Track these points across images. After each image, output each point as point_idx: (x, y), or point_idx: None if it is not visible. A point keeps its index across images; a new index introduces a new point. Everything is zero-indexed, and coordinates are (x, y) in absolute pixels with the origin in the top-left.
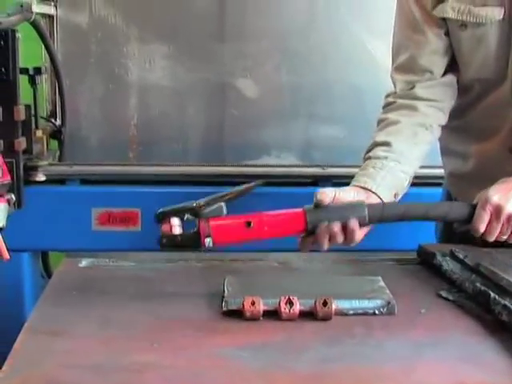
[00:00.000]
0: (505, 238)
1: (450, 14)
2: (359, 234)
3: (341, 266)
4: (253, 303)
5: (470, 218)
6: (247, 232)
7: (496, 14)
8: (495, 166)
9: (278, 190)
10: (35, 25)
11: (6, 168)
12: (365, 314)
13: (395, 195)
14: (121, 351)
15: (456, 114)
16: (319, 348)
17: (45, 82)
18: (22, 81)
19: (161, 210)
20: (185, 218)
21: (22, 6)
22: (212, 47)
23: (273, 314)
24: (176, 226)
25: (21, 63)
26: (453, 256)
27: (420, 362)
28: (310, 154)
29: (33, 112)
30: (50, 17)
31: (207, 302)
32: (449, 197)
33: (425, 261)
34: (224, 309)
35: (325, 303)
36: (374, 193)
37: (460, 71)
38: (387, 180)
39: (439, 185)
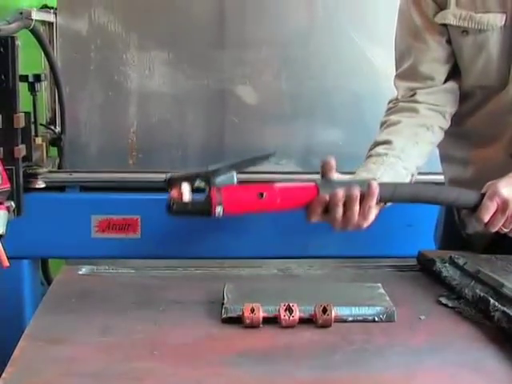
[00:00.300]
0: (506, 231)
1: (452, 21)
2: (373, 211)
3: (340, 273)
4: (252, 310)
5: (477, 206)
6: (259, 203)
7: (498, 20)
8: (496, 173)
9: None
10: (35, 32)
11: (5, 175)
12: (364, 320)
13: None
14: (121, 359)
15: (457, 120)
16: (319, 355)
17: (44, 89)
18: (22, 88)
19: (171, 175)
20: (195, 184)
21: (21, 13)
22: (212, 54)
23: (272, 321)
24: (186, 192)
25: (20, 70)
26: (452, 262)
27: (420, 369)
28: (310, 160)
29: (32, 119)
30: (50, 24)
31: (207, 309)
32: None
33: (424, 267)
34: (224, 316)
35: (324, 310)
36: None
37: (461, 78)
38: (388, 175)
39: None
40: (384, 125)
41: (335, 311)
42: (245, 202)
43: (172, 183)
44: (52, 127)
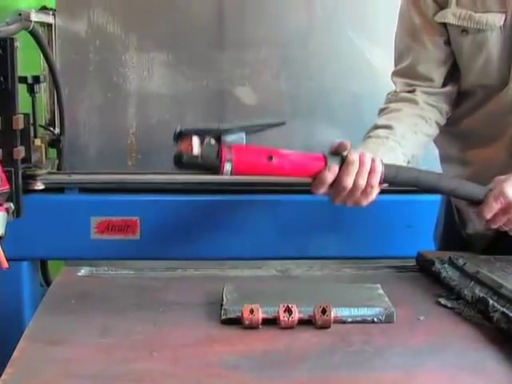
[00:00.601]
0: (506, 229)
1: (451, 20)
2: (375, 190)
3: (340, 274)
4: (252, 311)
5: (478, 200)
6: (267, 166)
7: (497, 20)
8: (496, 173)
9: (277, 198)
10: (34, 33)
11: (4, 177)
12: (364, 321)
13: None
14: (120, 360)
15: (457, 120)
16: (318, 356)
17: (43, 90)
18: (21, 89)
19: (181, 128)
20: (205, 140)
21: (20, 14)
22: (211, 55)
23: (272, 323)
24: (196, 145)
25: (19, 72)
26: (452, 263)
27: (419, 370)
28: None
29: (31, 121)
30: (49, 25)
31: (206, 310)
32: (448, 204)
33: (424, 268)
34: (223, 317)
35: (324, 311)
36: None
37: (461, 77)
38: (387, 157)
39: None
40: (384, 111)
41: (334, 312)
42: (254, 163)
43: (182, 136)
44: (51, 128)
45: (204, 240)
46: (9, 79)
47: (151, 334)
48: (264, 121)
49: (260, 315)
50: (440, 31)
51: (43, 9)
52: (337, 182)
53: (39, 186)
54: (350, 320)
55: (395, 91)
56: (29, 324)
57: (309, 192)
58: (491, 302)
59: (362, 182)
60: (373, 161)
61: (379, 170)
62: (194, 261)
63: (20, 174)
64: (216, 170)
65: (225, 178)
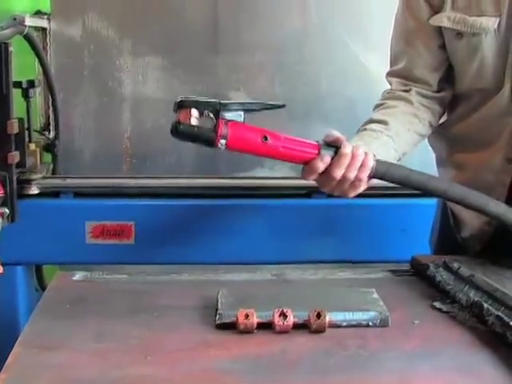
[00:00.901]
0: None
1: (446, 23)
2: (364, 184)
3: (334, 278)
4: (246, 316)
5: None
6: (262, 146)
7: (491, 23)
8: (492, 177)
9: (271, 202)
10: (28, 38)
11: None
12: (358, 325)
13: None
14: (115, 364)
15: (453, 123)
16: (313, 360)
17: (38, 95)
18: (16, 94)
19: (182, 98)
20: (204, 112)
21: (15, 19)
22: (206, 60)
23: (267, 327)
24: (194, 116)
25: (14, 76)
26: (446, 267)
27: (414, 374)
28: None
29: (26, 125)
30: (44, 30)
31: (201, 314)
32: (444, 208)
33: (418, 272)
34: (218, 322)
35: (318, 315)
36: None
37: (456, 81)
38: (380, 151)
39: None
40: (379, 107)
41: (329, 316)
42: (249, 141)
43: (181, 106)
44: (46, 133)
45: (199, 244)
46: (3, 84)
47: (146, 338)
48: (263, 102)
49: (255, 320)
50: (434, 35)
51: (38, 13)
52: (327, 171)
53: (34, 190)
54: (344, 324)
55: (391, 89)
56: (23, 329)
57: (303, 196)
58: (486, 305)
59: (352, 175)
60: (365, 155)
61: (370, 165)
62: (189, 265)
63: (15, 178)
64: (211, 143)
65: (219, 182)
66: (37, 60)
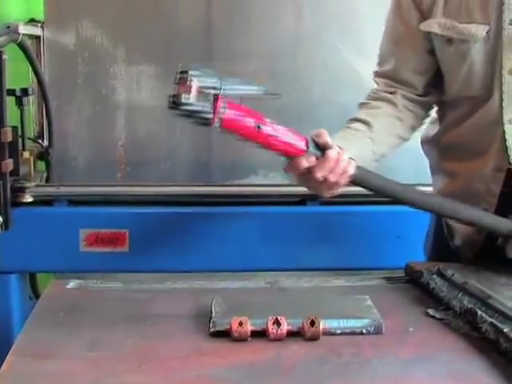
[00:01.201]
0: None
1: (436, 29)
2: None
3: (328, 286)
4: (240, 324)
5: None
6: (254, 132)
7: (480, 31)
8: (482, 186)
9: (265, 210)
10: (22, 46)
11: None
12: (352, 333)
13: None
14: (109, 373)
15: (444, 132)
16: (307, 368)
17: (32, 103)
18: (9, 102)
19: (185, 69)
20: (204, 89)
21: (8, 27)
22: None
23: (261, 335)
24: (194, 91)
25: (8, 84)
26: (440, 274)
27: (409, 381)
28: None
29: (20, 133)
30: (37, 38)
31: (195, 322)
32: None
33: (412, 279)
34: (212, 330)
35: (312, 323)
36: None
37: (446, 87)
38: (359, 152)
39: None
40: (364, 106)
41: (323, 324)
42: (242, 127)
43: (183, 79)
44: (40, 141)
45: (193, 252)
46: None
47: (140, 346)
48: (261, 88)
49: (249, 327)
50: (423, 40)
51: (32, 21)
52: (310, 171)
53: (28, 198)
54: (338, 332)
55: (377, 89)
56: (17, 337)
57: (297, 203)
58: (479, 312)
59: (332, 179)
60: (348, 162)
61: (351, 172)
62: (183, 273)
63: (8, 186)
64: (206, 120)
65: (213, 190)
66: (30, 68)
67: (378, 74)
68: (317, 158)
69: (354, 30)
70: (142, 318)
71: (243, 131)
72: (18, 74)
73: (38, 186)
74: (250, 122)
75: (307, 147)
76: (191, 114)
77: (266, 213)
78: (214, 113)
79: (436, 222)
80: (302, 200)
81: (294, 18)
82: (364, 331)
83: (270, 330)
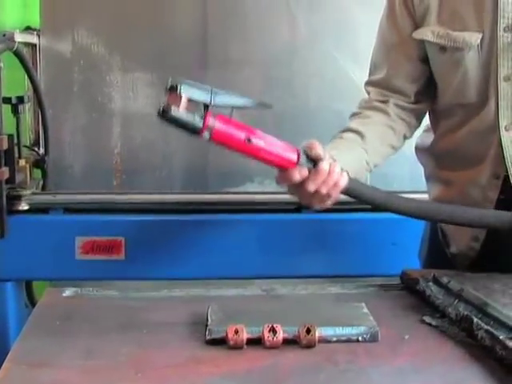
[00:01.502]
0: None
1: (429, 37)
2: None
3: (324, 293)
4: (236, 332)
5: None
6: (244, 145)
7: (473, 39)
8: (479, 193)
9: (261, 217)
10: (18, 54)
11: None
12: (348, 340)
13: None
14: (105, 381)
15: (439, 140)
16: (303, 375)
17: (28, 111)
18: (5, 110)
19: (175, 81)
20: (194, 100)
21: (4, 35)
22: (195, 75)
23: (257, 342)
24: (184, 102)
25: (3, 92)
26: (436, 281)
27: None
28: None
29: (16, 141)
30: (33, 46)
31: (191, 330)
32: (433, 223)
33: (408, 286)
34: (208, 337)
35: (308, 331)
36: None
37: (440, 95)
38: (352, 162)
39: None
40: (356, 115)
41: (319, 331)
42: (232, 140)
43: (173, 90)
44: (35, 149)
45: (189, 260)
46: None
47: (136, 355)
48: (252, 100)
49: (244, 335)
50: (416, 48)
51: (27, 29)
52: (302, 184)
53: (24, 206)
54: (334, 339)
55: (369, 99)
56: (13, 345)
57: (293, 211)
58: (475, 319)
59: (324, 191)
60: (340, 175)
61: (343, 184)
62: (179, 281)
63: (4, 194)
64: (196, 132)
65: (209, 197)
66: (26, 76)
67: (369, 83)
68: (309, 170)
69: (349, 37)
70: (137, 326)
71: (233, 144)
72: (14, 82)
73: (33, 193)
74: (240, 134)
75: (299, 159)
76: (180, 126)
77: (262, 220)
78: (203, 125)
79: (431, 229)
80: (297, 207)
81: (290, 25)
82: (360, 339)
83: (265, 337)
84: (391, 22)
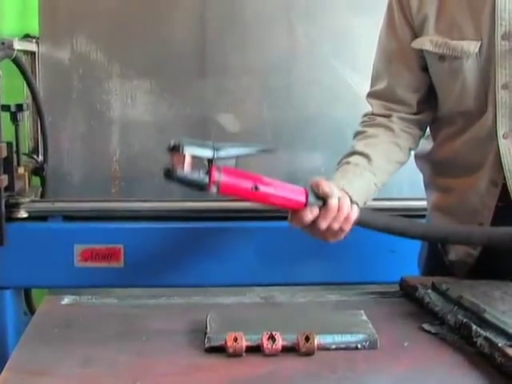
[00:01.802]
0: None
1: (428, 47)
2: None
3: (323, 300)
4: (235, 339)
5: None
6: (252, 193)
7: (472, 48)
8: (477, 201)
9: (260, 225)
10: (17, 62)
11: None
12: (347, 348)
13: (364, 203)
14: None
15: (438, 148)
16: (303, 383)
17: (27, 118)
18: (4, 118)
19: (176, 141)
20: (197, 158)
21: (3, 43)
22: (194, 83)
23: (256, 350)
24: (188, 161)
25: (2, 100)
26: (435, 288)
27: None
28: None
29: (15, 149)
30: (32, 53)
31: (190, 338)
32: None
33: (407, 293)
34: (207, 345)
35: (307, 338)
36: (348, 194)
37: (440, 104)
38: (362, 189)
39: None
40: (361, 135)
41: (318, 339)
42: (239, 189)
43: (174, 149)
44: (34, 156)
45: (188, 267)
46: None
47: (135, 363)
48: (254, 147)
49: (244, 343)
50: (416, 57)
51: (26, 37)
52: (313, 222)
53: (22, 214)
54: (333, 347)
55: (372, 113)
56: (12, 354)
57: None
58: (474, 327)
59: (336, 227)
60: (350, 209)
61: (354, 218)
62: (178, 288)
63: (3, 202)
64: (204, 188)
65: (208, 205)
66: (25, 84)
67: (371, 95)
68: (319, 208)
69: (348, 45)
70: (136, 334)
71: (241, 193)
72: (13, 90)
73: (32, 201)
74: (247, 184)
75: (307, 199)
76: (187, 184)
77: (261, 228)
78: (209, 180)
79: None
80: None
81: (288, 34)
82: (359, 346)
83: (264, 345)
84: (390, 32)
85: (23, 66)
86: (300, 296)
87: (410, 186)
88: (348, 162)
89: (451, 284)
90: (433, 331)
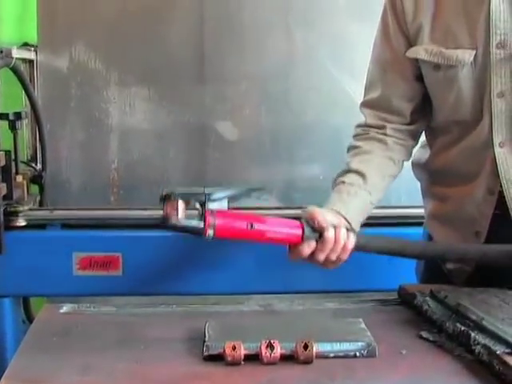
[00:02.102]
0: None
1: (423, 56)
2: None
3: (322, 308)
4: (234, 348)
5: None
6: (248, 232)
7: (467, 56)
8: (474, 209)
9: None
10: (15, 70)
11: None
12: (346, 356)
13: (361, 222)
14: None
15: (434, 157)
16: None
17: (25, 126)
18: (3, 126)
19: (168, 190)
20: (190, 203)
21: (1, 51)
22: (192, 90)
23: (254, 358)
24: (181, 209)
25: (1, 108)
26: (433, 296)
27: None
28: (291, 195)
29: (13, 157)
30: (31, 62)
31: (188, 346)
32: (429, 239)
33: (405, 301)
34: (205, 354)
35: (306, 346)
36: (344, 218)
37: (435, 112)
38: (358, 209)
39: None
40: (355, 150)
41: (316, 347)
42: (235, 230)
43: (168, 199)
44: (33, 164)
45: (186, 275)
46: None
47: (133, 371)
48: (246, 188)
49: (242, 351)
50: (411, 67)
51: (25, 45)
52: (312, 255)
53: (21, 222)
54: (332, 355)
55: (365, 124)
56: (10, 362)
57: None
58: (473, 334)
59: (334, 257)
60: (347, 239)
61: (351, 247)
62: (177, 296)
63: (1, 210)
64: (199, 233)
65: None
66: (24, 92)
67: (365, 104)
68: (316, 240)
69: (346, 52)
70: (135, 342)
71: (238, 233)
72: (12, 98)
73: (31, 209)
74: (242, 224)
75: (304, 233)
76: (183, 231)
77: None
78: (205, 225)
79: None
80: None
81: (286, 40)
82: (357, 354)
83: (263, 353)
84: (385, 41)
85: (22, 75)
86: (298, 304)
87: (407, 195)
88: (343, 182)
89: (449, 292)
90: (431, 339)
